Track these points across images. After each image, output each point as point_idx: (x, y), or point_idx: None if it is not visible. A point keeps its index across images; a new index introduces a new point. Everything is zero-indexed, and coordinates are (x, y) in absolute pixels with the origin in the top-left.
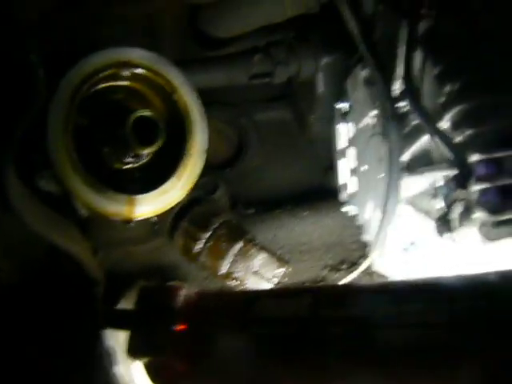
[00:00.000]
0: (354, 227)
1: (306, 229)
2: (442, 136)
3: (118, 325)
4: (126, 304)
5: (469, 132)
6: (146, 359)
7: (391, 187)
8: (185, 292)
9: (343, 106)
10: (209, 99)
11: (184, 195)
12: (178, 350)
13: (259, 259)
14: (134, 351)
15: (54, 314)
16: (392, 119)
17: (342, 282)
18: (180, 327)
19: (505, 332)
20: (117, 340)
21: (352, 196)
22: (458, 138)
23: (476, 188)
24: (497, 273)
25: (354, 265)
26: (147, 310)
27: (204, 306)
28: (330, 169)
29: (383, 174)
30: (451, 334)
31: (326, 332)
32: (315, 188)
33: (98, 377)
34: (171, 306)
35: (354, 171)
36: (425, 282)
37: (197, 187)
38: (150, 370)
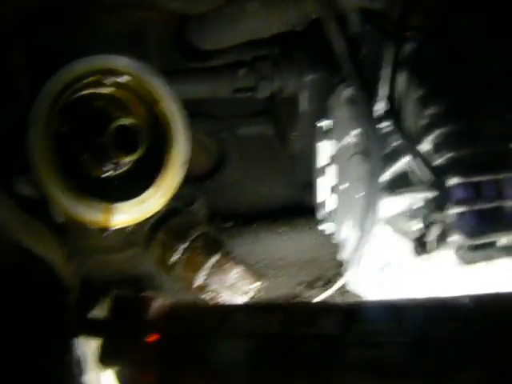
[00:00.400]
0: (331, 245)
1: (282, 244)
2: (422, 158)
3: (90, 332)
4: (99, 312)
5: (449, 155)
6: (116, 368)
7: (369, 206)
8: (158, 303)
9: (325, 123)
10: (191, 111)
11: (162, 205)
12: (148, 361)
13: (235, 273)
14: (104, 359)
15: (24, 321)
16: (373, 139)
17: (316, 300)
18: (151, 338)
19: (473, 356)
20: (87, 348)
21: (330, 214)
22: (438, 161)
23: (454, 211)
24: (470, 297)
25: (328, 282)
26: (120, 320)
27: (176, 317)
28: (309, 186)
29: (362, 193)
30: (420, 356)
31: (296, 349)
32: (293, 204)
33: None
34: (144, 317)
35: (333, 189)
36: (397, 302)
37: (175, 198)
38: (120, 379)
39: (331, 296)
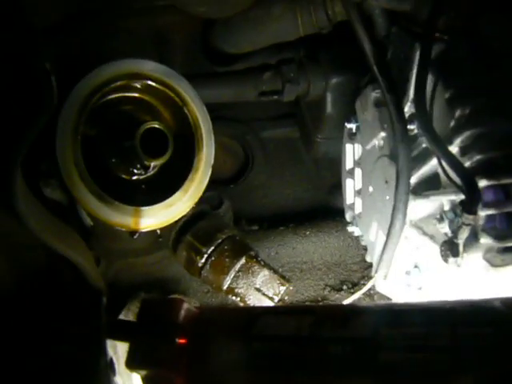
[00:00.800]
0: (356, 248)
1: (307, 247)
2: (451, 160)
3: (119, 336)
4: (128, 315)
5: (478, 157)
6: (144, 372)
7: (397, 210)
8: (187, 306)
9: (352, 126)
10: (217, 114)
11: (189, 209)
12: (177, 364)
13: (261, 276)
14: (132, 363)
15: (55, 324)
16: (401, 141)
17: (344, 302)
18: (180, 341)
19: (508, 360)
20: (117, 351)
21: (357, 217)
22: (467, 163)
23: (483, 214)
24: (501, 299)
25: (354, 286)
26: (148, 323)
27: (205, 320)
28: (335, 188)
29: (388, 197)
30: (453, 359)
31: (326, 351)
32: (319, 207)
33: None
34: (173, 320)
35: (359, 192)
36: (428, 305)
37: (202, 202)
38: (148, 382)
39: (358, 299)
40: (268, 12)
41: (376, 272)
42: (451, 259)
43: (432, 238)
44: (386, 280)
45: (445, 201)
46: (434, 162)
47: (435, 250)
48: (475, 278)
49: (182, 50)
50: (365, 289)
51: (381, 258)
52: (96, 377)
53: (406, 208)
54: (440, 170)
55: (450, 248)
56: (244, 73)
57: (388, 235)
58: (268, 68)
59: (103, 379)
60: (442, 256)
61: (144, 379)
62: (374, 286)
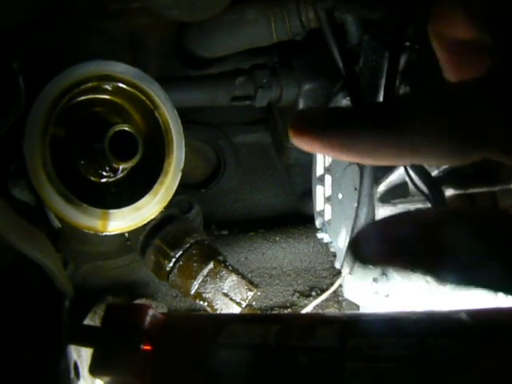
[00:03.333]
0: (326, 254)
1: (277, 253)
2: (418, 169)
3: (82, 341)
4: (94, 319)
5: (444, 166)
6: (107, 378)
7: (362, 216)
8: (152, 312)
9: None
10: (189, 118)
11: (158, 212)
12: (142, 371)
13: (229, 281)
14: (96, 369)
15: (17, 327)
16: None
17: (310, 306)
18: (145, 347)
19: (471, 370)
20: (81, 355)
21: (326, 223)
22: (434, 172)
23: None
24: (467, 311)
25: (323, 292)
26: (113, 328)
27: (171, 327)
28: (305, 195)
29: (355, 204)
30: (418, 370)
31: (293, 360)
32: (289, 213)
33: None
34: (138, 326)
35: (329, 199)
36: (394, 315)
37: (171, 205)
38: None
39: (326, 306)
40: (242, 17)
41: (342, 267)
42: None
43: None
44: (353, 287)
45: (412, 209)
46: (401, 170)
47: None
48: (442, 287)
49: (156, 52)
50: (333, 287)
51: (346, 253)
52: (55, 381)
53: (371, 216)
54: (407, 179)
55: None
56: (217, 77)
57: (353, 228)
58: (241, 73)
59: (62, 383)
60: None
61: None
62: (342, 292)
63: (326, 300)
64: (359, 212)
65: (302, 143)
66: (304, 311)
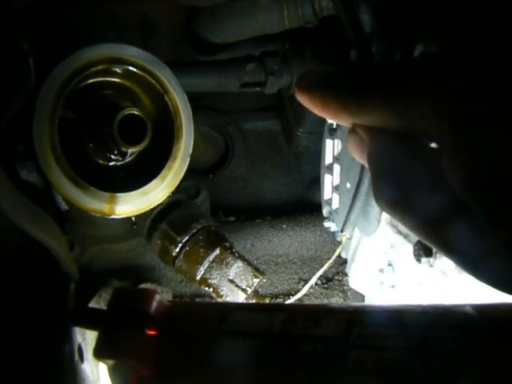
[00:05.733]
0: (332, 243)
1: (283, 241)
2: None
3: (87, 324)
4: (99, 302)
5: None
6: (111, 361)
7: (370, 207)
8: (159, 298)
9: (332, 121)
10: (199, 104)
11: (165, 197)
12: (146, 356)
13: (235, 268)
14: (100, 352)
15: (22, 309)
16: None
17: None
18: (150, 332)
19: (473, 362)
20: (86, 337)
21: (334, 212)
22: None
23: None
24: (472, 305)
25: (329, 281)
26: (119, 312)
27: (176, 314)
28: (314, 183)
29: (364, 194)
30: (424, 360)
31: (297, 349)
32: (297, 201)
33: (65, 373)
34: (144, 311)
35: (336, 188)
36: (400, 307)
37: (179, 191)
38: (114, 373)
39: (331, 295)
40: (254, 3)
41: (342, 231)
42: (424, 259)
43: (406, 236)
44: (359, 276)
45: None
46: None
47: (409, 249)
48: (447, 279)
49: (167, 37)
50: (333, 258)
51: (347, 218)
52: (59, 364)
53: (373, 204)
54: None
55: (424, 248)
56: (227, 63)
57: (355, 193)
58: (252, 59)
59: (67, 366)
60: (415, 255)
61: (110, 369)
62: (347, 281)
63: (332, 289)
64: (370, 203)
65: (300, 100)
66: (299, 296)
